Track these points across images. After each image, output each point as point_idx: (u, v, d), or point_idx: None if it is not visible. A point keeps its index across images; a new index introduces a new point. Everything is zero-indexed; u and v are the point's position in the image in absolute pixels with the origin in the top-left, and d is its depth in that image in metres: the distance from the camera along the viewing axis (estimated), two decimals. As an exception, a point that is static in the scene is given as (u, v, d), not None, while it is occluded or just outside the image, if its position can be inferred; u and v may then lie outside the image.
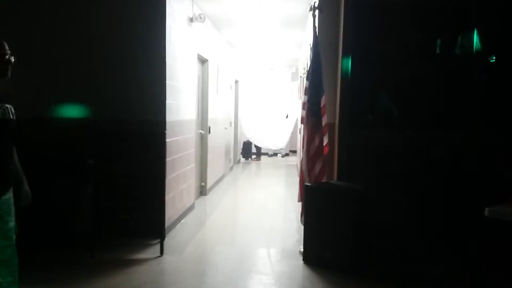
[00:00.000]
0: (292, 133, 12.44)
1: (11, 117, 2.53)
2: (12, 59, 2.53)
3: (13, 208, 2.63)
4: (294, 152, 13.55)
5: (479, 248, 3.75)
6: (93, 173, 4.30)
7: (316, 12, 4.61)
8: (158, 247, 4.32)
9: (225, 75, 9.06)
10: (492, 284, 3.30)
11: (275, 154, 14.03)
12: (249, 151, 13.11)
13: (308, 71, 4.63)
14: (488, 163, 4.02)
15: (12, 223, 2.59)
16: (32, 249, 4.07)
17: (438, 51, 4.18)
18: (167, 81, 4.61)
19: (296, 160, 11.62)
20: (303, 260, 4.15)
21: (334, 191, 4.06)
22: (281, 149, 13.62)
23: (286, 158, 13.78)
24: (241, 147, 12.94)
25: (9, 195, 2.61)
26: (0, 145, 2.50)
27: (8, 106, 2.52)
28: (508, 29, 4.02)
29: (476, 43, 4.11)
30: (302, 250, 4.24)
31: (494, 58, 4.11)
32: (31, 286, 3.39)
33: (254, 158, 13.30)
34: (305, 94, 4.60)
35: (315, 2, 4.89)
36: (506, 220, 2.85)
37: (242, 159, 12.95)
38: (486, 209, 2.90)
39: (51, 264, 3.95)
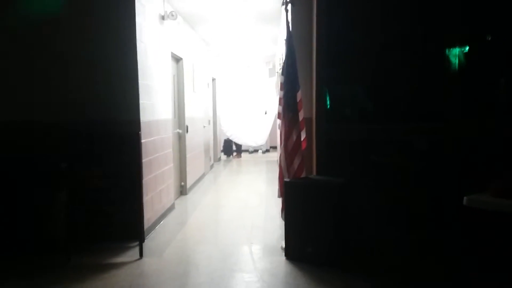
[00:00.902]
0: (271, 129, 12.42)
1: None
2: None
3: None
4: (275, 148, 13.55)
5: (459, 237, 3.79)
6: (67, 177, 4.20)
7: (289, 7, 4.58)
8: (137, 249, 4.25)
9: (201, 73, 8.97)
10: (472, 274, 3.33)
11: (256, 151, 14.00)
12: (230, 149, 13.06)
13: (283, 66, 4.60)
14: (467, 153, 4.05)
15: None
16: (7, 256, 3.96)
17: (413, 42, 4.18)
18: (139, 81, 4.53)
19: (276, 156, 11.61)
20: (285, 255, 4.13)
21: (313, 186, 4.05)
22: (261, 145, 13.60)
23: (267, 154, 13.77)
24: (222, 144, 12.88)
25: None
26: None
27: None
28: (486, 18, 4.04)
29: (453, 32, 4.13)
30: (283, 246, 4.22)
31: (467, 48, 4.13)
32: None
33: (235, 156, 13.25)
34: (281, 89, 4.56)
35: (287, -4, 4.85)
36: (484, 209, 2.87)
37: (224, 157, 12.90)
38: (465, 198, 2.91)
39: (27, 270, 3.85)
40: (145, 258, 4.15)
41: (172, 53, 6.32)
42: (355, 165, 4.27)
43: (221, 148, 12.87)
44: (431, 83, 4.15)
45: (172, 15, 5.83)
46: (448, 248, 3.87)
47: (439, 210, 4.07)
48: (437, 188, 4.10)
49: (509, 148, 3.86)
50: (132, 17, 4.44)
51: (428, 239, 4.01)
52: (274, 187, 7.30)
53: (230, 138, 12.66)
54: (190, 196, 7.26)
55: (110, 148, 4.42)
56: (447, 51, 4.14)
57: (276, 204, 6.10)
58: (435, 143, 4.12)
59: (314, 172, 4.53)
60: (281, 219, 4.66)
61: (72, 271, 3.85)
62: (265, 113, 13.24)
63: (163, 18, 5.72)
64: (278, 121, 5.05)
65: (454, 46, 4.12)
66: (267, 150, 14.09)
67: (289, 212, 4.13)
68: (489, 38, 4.06)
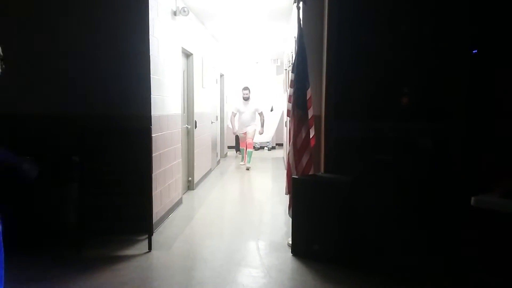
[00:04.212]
0: (277, 126, 12.42)
1: None
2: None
3: None
4: (281, 145, 13.57)
5: (466, 237, 3.81)
6: (78, 170, 4.25)
7: (301, 4, 4.60)
8: (146, 243, 4.30)
9: (210, 69, 9.00)
10: (480, 274, 3.35)
11: (262, 148, 14.02)
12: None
13: (293, 64, 4.62)
14: (475, 153, 4.06)
15: None
16: (19, 247, 4.02)
17: (424, 42, 4.20)
18: (151, 75, 4.57)
19: (282, 153, 11.64)
20: (292, 252, 4.17)
21: (321, 183, 4.08)
22: (268, 142, 13.62)
23: (273, 151, 13.78)
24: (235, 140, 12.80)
25: None
26: None
27: None
28: (493, 22, 4.05)
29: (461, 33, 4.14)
30: (290, 242, 4.25)
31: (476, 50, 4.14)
32: (17, 285, 3.35)
33: (239, 153, 13.24)
34: (290, 86, 4.59)
35: (299, -6, 4.87)
36: (492, 209, 2.88)
37: (231, 153, 12.88)
38: (472, 198, 2.93)
39: (38, 262, 3.90)
40: (154, 251, 4.20)
41: (182, 48, 6.36)
42: (363, 163, 4.29)
43: (233, 144, 12.79)
44: (442, 82, 4.17)
45: (184, 11, 5.86)
46: (455, 248, 3.89)
47: (447, 210, 4.09)
48: (444, 188, 4.11)
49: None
50: (146, 12, 4.47)
51: (435, 238, 4.03)
52: (280, 184, 7.34)
53: (237, 134, 12.61)
54: (197, 191, 7.31)
55: (121, 142, 4.46)
56: (456, 50, 4.15)
57: (282, 201, 6.14)
58: (443, 142, 4.13)
59: (322, 170, 4.56)
60: (287, 216, 4.69)
61: (82, 263, 3.90)
62: (271, 109, 13.25)
63: (175, 13, 5.75)
64: (287, 118, 5.07)
65: (463, 45, 4.13)
66: (273, 147, 14.10)
67: (296, 209, 4.17)
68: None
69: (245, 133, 9.95)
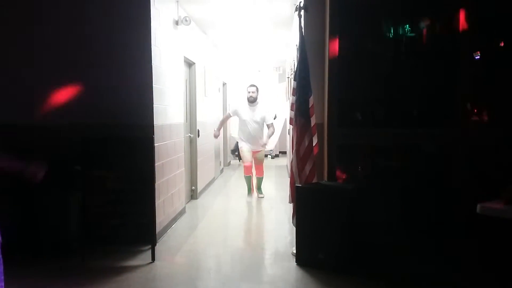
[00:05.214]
0: (281, 134, 12.40)
1: None
2: None
3: None
4: (284, 153, 13.55)
5: (471, 245, 3.77)
6: (81, 179, 4.24)
7: (302, 12, 4.60)
8: (149, 253, 4.27)
9: (212, 77, 9.03)
10: (484, 281, 3.31)
11: (265, 156, 13.99)
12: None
13: (295, 72, 4.62)
14: (480, 159, 4.03)
15: None
16: (22, 258, 4.00)
17: (426, 48, 4.19)
18: (153, 85, 4.57)
19: (286, 161, 11.61)
20: (296, 261, 4.13)
21: (325, 192, 4.05)
22: (271, 150, 13.60)
23: (276, 159, 13.77)
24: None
25: None
26: None
27: None
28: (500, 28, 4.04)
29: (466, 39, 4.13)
30: (294, 251, 4.22)
31: (479, 55, 4.13)
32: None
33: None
34: (293, 94, 4.58)
35: (300, 2, 4.88)
36: (497, 217, 2.85)
37: (235, 161, 12.87)
38: (478, 205, 2.89)
39: (41, 272, 3.88)
40: (157, 262, 4.17)
41: (185, 57, 6.37)
42: (366, 170, 4.26)
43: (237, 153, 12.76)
44: (445, 88, 4.15)
45: (186, 20, 5.88)
46: (462, 255, 3.84)
47: (452, 217, 4.05)
48: (449, 195, 4.08)
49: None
50: (148, 22, 4.48)
51: (441, 246, 3.99)
52: (283, 192, 7.30)
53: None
54: (201, 200, 7.29)
55: (124, 151, 4.44)
56: (461, 56, 4.14)
57: (286, 210, 6.11)
58: (447, 148, 4.11)
59: (325, 178, 4.53)
60: (291, 224, 4.66)
61: (86, 273, 3.88)
62: (275, 118, 13.24)
63: (177, 23, 5.77)
64: (290, 126, 5.04)
65: (468, 51, 4.12)
66: (276, 155, 14.08)
67: (300, 218, 4.14)
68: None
69: (254, 152, 7.32)
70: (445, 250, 3.97)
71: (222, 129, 8.12)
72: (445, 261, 3.90)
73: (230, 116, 7.63)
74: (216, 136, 7.80)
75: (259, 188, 7.41)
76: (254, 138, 7.17)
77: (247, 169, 7.37)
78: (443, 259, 3.93)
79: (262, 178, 7.41)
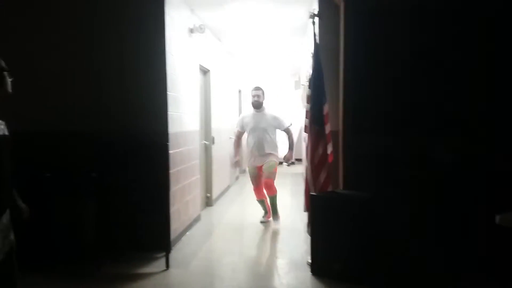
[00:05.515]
0: (296, 141, 12.32)
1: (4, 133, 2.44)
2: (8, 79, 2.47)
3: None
4: (300, 160, 13.48)
5: (491, 256, 3.67)
6: (96, 186, 4.27)
7: (316, 19, 4.59)
8: (163, 260, 4.27)
9: (227, 85, 9.05)
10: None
11: (281, 163, 13.93)
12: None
13: (310, 79, 4.59)
14: (500, 168, 3.93)
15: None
16: (38, 264, 4.03)
17: (440, 55, 4.12)
18: (168, 92, 4.59)
19: (301, 169, 11.53)
20: (311, 271, 4.07)
21: (340, 200, 4.00)
22: (292, 162, 13.51)
23: (292, 166, 13.70)
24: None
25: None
26: None
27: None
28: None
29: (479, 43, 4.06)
30: (310, 261, 4.16)
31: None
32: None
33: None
34: (307, 102, 4.56)
35: (314, 9, 4.87)
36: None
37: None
38: (497, 216, 2.82)
39: (57, 279, 3.92)
40: (172, 269, 4.16)
41: (200, 65, 6.41)
42: (383, 179, 4.19)
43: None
44: (462, 95, 4.07)
45: (201, 28, 5.92)
46: (479, 265, 3.75)
47: (469, 227, 3.96)
48: (467, 204, 3.99)
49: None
50: (162, 30, 4.52)
51: (458, 256, 3.90)
52: (299, 200, 7.25)
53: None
54: (216, 207, 7.28)
55: (139, 158, 4.48)
56: (475, 63, 4.07)
57: (301, 218, 6.05)
58: (467, 157, 4.02)
59: (341, 187, 4.48)
60: (306, 233, 4.61)
61: (100, 280, 3.89)
62: (290, 125, 13.19)
63: (191, 31, 5.81)
64: (305, 134, 5.00)
65: (481, 58, 4.05)
66: (292, 163, 13.99)
67: (315, 227, 4.08)
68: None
69: (260, 168, 6.12)
70: (464, 261, 3.89)
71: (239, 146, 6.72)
72: (465, 271, 3.82)
73: (241, 131, 6.41)
74: (236, 165, 6.98)
75: (274, 211, 6.13)
76: (259, 149, 6.04)
77: (257, 193, 6.21)
78: (463, 269, 3.85)
79: (275, 196, 6.05)
